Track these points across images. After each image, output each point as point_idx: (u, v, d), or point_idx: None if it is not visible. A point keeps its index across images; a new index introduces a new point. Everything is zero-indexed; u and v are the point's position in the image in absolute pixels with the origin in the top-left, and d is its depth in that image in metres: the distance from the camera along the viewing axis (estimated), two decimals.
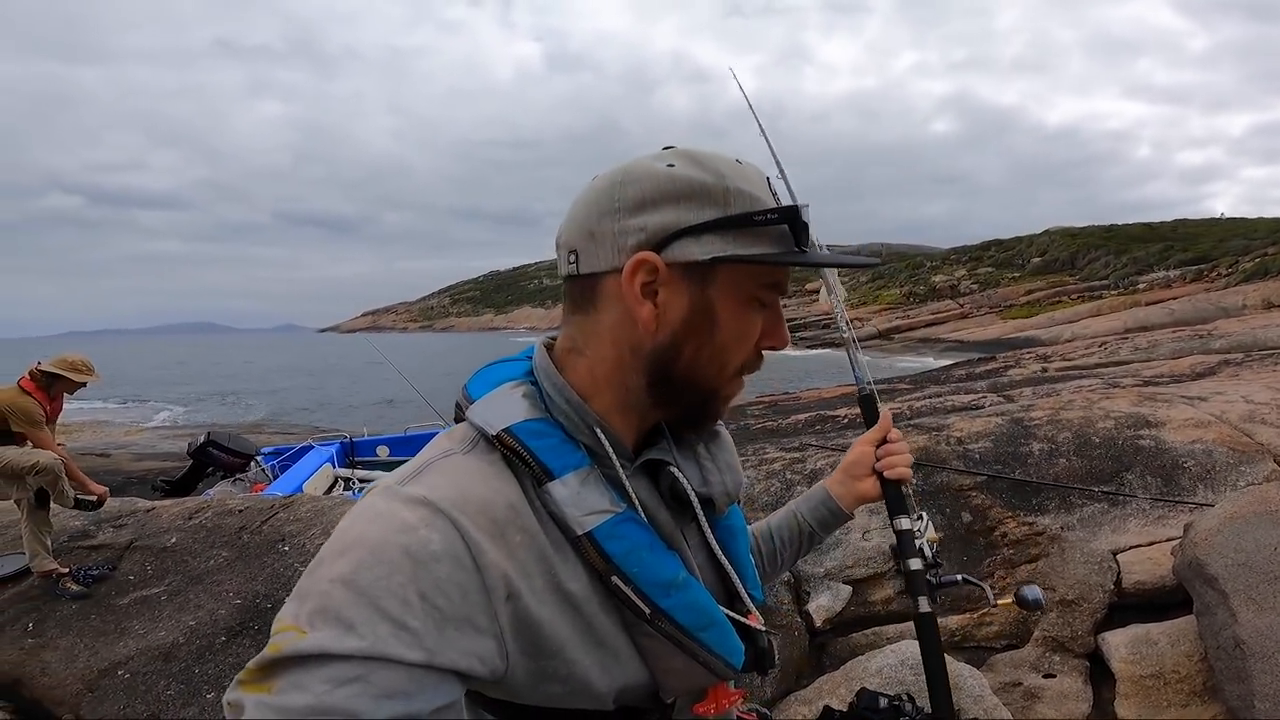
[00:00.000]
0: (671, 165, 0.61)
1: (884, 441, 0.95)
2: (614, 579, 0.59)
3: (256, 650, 1.78)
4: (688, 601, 0.62)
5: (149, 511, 4.27)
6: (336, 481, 7.42)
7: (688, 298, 0.61)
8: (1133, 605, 2.68)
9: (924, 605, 0.90)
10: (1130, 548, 3.02)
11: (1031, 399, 6.23)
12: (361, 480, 7.50)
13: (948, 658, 2.17)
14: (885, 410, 0.95)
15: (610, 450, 0.62)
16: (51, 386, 3.53)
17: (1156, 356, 13.52)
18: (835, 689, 2.03)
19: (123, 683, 2.09)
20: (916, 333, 48.37)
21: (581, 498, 0.60)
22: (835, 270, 1.09)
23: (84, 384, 3.65)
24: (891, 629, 2.70)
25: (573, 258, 0.63)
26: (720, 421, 0.74)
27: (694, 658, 0.62)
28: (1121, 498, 3.45)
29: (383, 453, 8.50)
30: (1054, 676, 2.29)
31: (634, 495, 0.63)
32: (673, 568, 0.63)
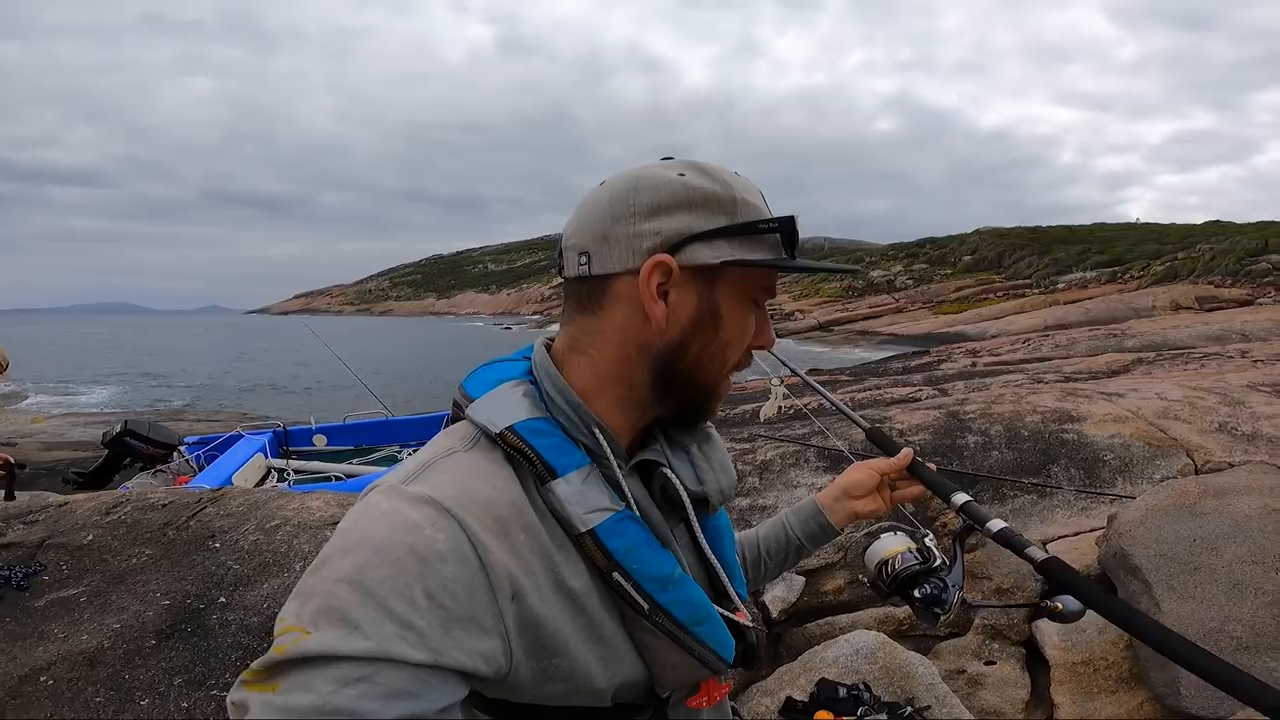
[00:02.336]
0: (683, 174, 0.65)
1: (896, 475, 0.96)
2: (615, 575, 0.61)
3: (192, 654, 1.68)
4: (684, 597, 0.64)
5: (61, 506, 3.98)
6: (270, 473, 7.10)
7: (697, 298, 0.65)
8: (1062, 594, 2.83)
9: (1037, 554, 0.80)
10: (1058, 538, 3.18)
11: (965, 393, 6.51)
12: (298, 471, 7.20)
13: (899, 647, 2.26)
14: (908, 450, 0.95)
15: (609, 450, 0.64)
16: None
17: (1075, 354, 14.34)
18: (795, 679, 2.07)
19: (47, 689, 1.96)
20: (855, 325, 49.91)
21: (584, 496, 0.61)
22: (779, 381, 1.19)
23: None
24: (844, 618, 2.77)
25: (584, 259, 0.65)
26: (710, 422, 0.77)
27: (689, 652, 0.64)
28: (1049, 489, 3.63)
29: (320, 442, 8.18)
30: (994, 664, 2.40)
31: (630, 495, 0.65)
32: (669, 564, 0.65)
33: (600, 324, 0.66)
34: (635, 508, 0.64)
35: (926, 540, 0.90)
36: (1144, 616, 0.65)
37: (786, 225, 0.64)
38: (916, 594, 0.83)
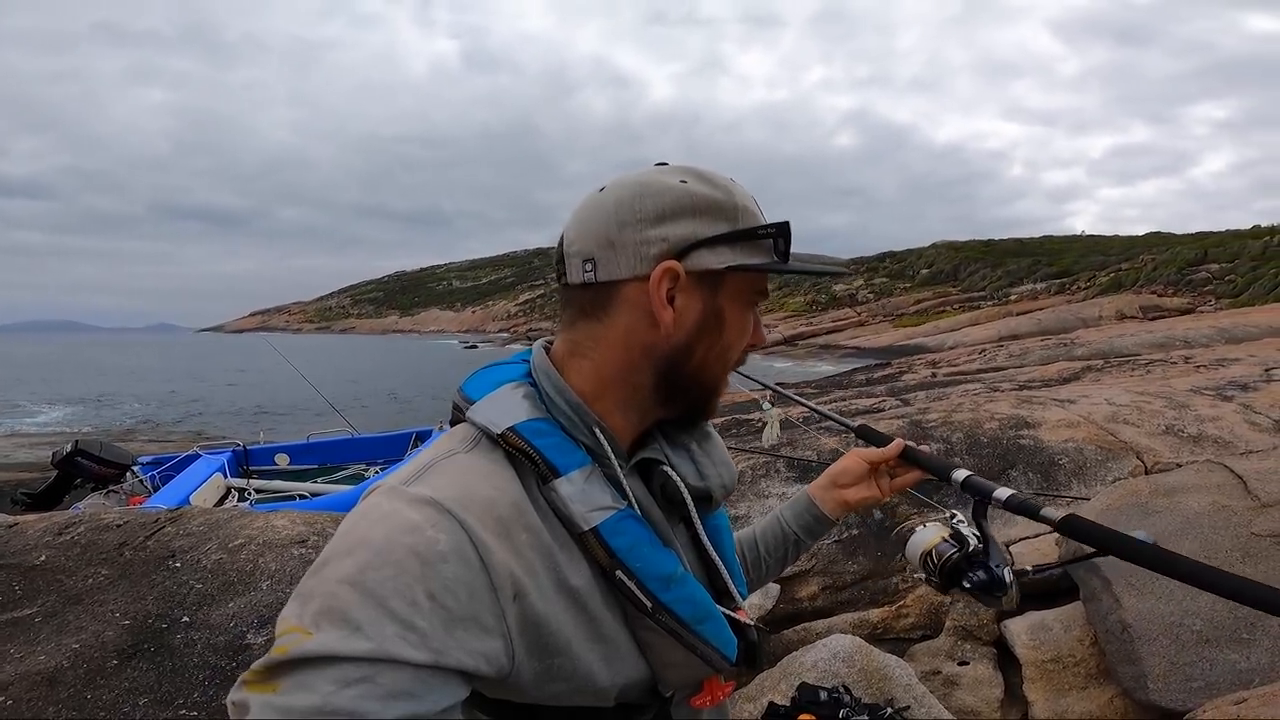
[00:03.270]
0: (685, 181, 0.66)
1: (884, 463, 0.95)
2: (618, 573, 0.61)
3: (157, 674, 1.63)
4: (686, 595, 0.64)
5: (11, 527, 3.80)
6: (229, 492, 6.88)
7: (702, 303, 0.66)
8: (1028, 594, 2.91)
9: (1053, 514, 0.74)
10: (1021, 539, 3.28)
11: (926, 402, 6.67)
12: (259, 490, 6.99)
13: (876, 649, 2.30)
14: (900, 440, 0.93)
15: (609, 450, 0.64)
16: None
17: (1028, 363, 14.81)
18: (776, 685, 2.09)
19: (5, 710, 1.87)
20: (819, 339, 50.72)
21: (587, 494, 0.61)
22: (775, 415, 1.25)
23: None
24: (819, 624, 2.81)
25: (589, 266, 0.65)
26: (708, 424, 0.79)
27: (693, 650, 0.64)
28: None
29: (282, 461, 7.95)
30: (968, 664, 2.45)
31: (631, 493, 0.65)
32: (671, 562, 0.65)
33: (604, 329, 0.66)
34: (637, 506, 0.65)
35: (955, 523, 0.87)
36: (1182, 558, 0.64)
37: (783, 230, 0.66)
38: (966, 585, 0.80)
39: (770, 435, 1.20)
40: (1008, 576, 0.79)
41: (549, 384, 0.66)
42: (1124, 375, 8.22)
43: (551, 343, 0.72)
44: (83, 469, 5.87)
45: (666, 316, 0.64)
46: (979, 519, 0.83)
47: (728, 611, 0.69)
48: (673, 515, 0.71)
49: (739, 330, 0.69)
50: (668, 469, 0.69)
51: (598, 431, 0.65)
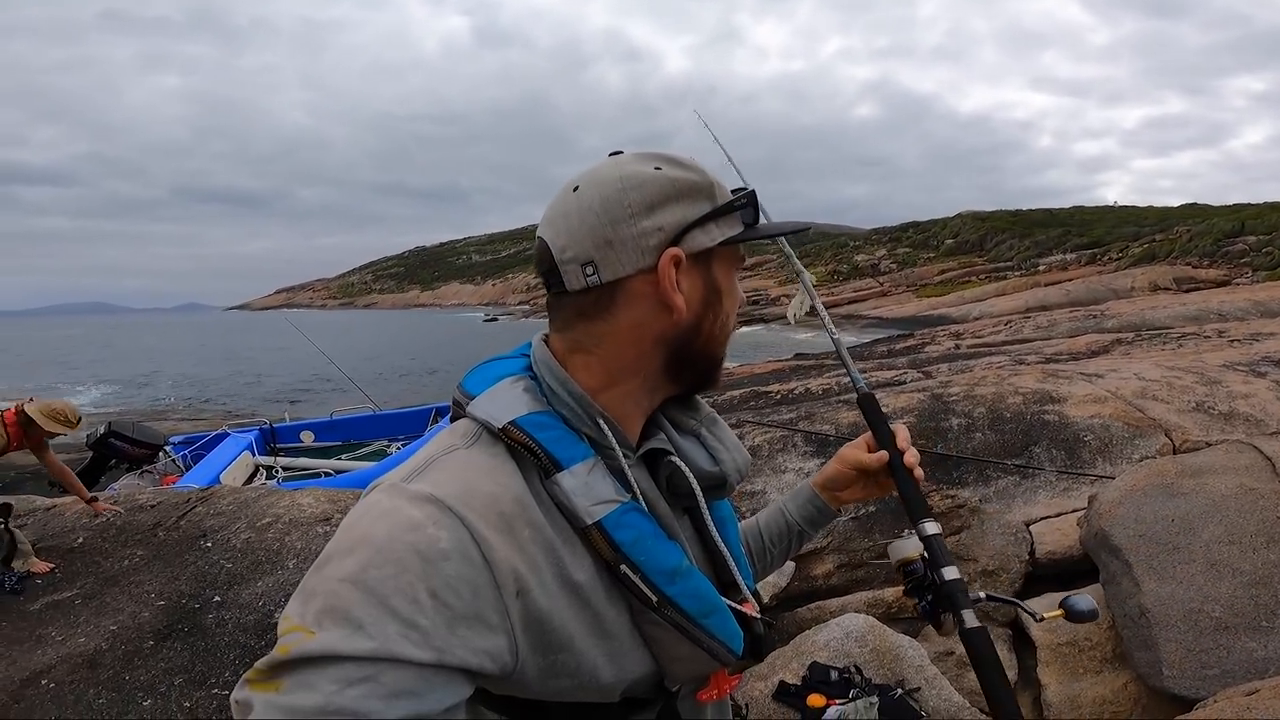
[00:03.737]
0: (659, 168, 0.66)
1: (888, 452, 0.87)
2: (622, 567, 0.60)
3: (190, 654, 1.70)
4: (691, 589, 0.64)
5: (50, 509, 3.95)
6: (258, 470, 7.05)
7: (701, 281, 0.67)
8: (1046, 575, 2.90)
9: (971, 619, 0.76)
10: (1041, 519, 3.25)
11: (948, 375, 6.58)
12: (286, 468, 7.15)
13: (889, 630, 2.30)
14: (902, 429, 0.88)
15: (614, 441, 0.64)
16: (29, 426, 3.55)
17: (1056, 335, 14.51)
18: (788, 663, 2.10)
19: (49, 692, 1.96)
20: (841, 309, 50.12)
21: (590, 488, 0.61)
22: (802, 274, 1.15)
23: (55, 433, 3.59)
24: (834, 603, 2.82)
25: (590, 269, 0.64)
26: (714, 410, 0.79)
27: (699, 644, 0.64)
28: (1031, 470, 3.70)
29: (307, 438, 8.12)
30: None
31: (636, 486, 0.64)
32: (676, 555, 0.64)
33: (608, 326, 0.65)
34: (641, 499, 0.64)
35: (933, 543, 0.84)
36: None
37: (752, 199, 0.69)
38: (920, 604, 0.81)
39: (794, 308, 1.17)
40: (945, 621, 0.79)
41: (551, 377, 0.66)
42: (1155, 349, 8.04)
43: (548, 336, 0.71)
44: (117, 450, 6.03)
45: (679, 301, 0.64)
46: (932, 570, 0.80)
47: (733, 604, 0.69)
48: (677, 506, 0.70)
49: (734, 298, 0.71)
50: (675, 459, 0.68)
51: (601, 423, 0.64)
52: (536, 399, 0.64)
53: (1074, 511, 3.15)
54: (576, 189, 0.65)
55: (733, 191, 0.70)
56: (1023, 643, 2.46)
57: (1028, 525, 3.19)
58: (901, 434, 0.87)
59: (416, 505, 0.54)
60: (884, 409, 3.75)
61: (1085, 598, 0.82)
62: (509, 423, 0.61)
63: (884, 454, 0.86)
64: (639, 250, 0.63)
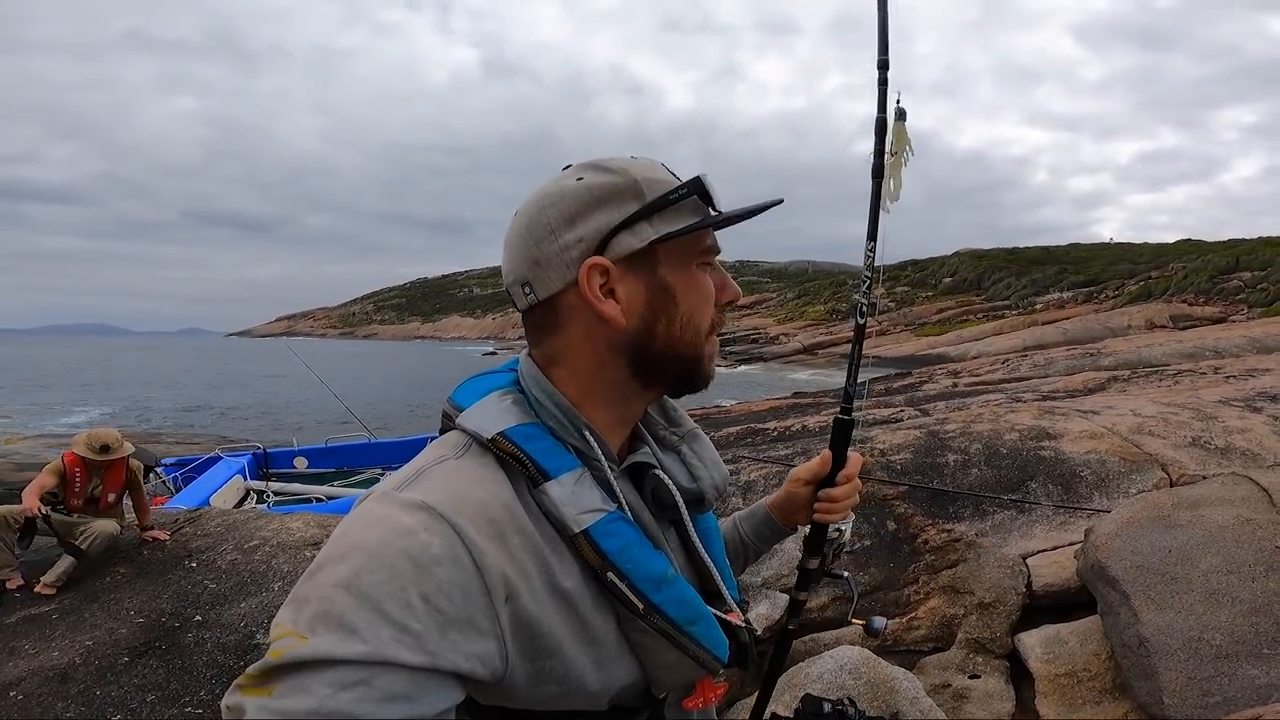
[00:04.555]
0: (581, 178, 0.67)
1: (831, 482, 0.92)
2: (609, 575, 0.61)
3: (166, 672, 1.66)
4: (677, 596, 0.64)
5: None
6: (249, 494, 6.98)
7: (643, 283, 0.66)
8: (1044, 606, 2.85)
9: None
10: (1038, 552, 3.21)
11: (945, 413, 6.58)
12: (277, 493, 7.09)
13: (883, 662, 2.25)
14: (856, 457, 0.92)
15: (599, 452, 0.65)
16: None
17: (1053, 373, 14.54)
18: (780, 695, 2.06)
19: (16, 704, 1.91)
20: (839, 348, 50.26)
21: (577, 497, 0.62)
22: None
23: (101, 462, 3.59)
24: (828, 635, 2.77)
25: (528, 289, 0.67)
26: (697, 425, 0.79)
27: (684, 651, 0.64)
28: (1027, 505, 3.67)
29: (301, 464, 8.06)
30: (979, 677, 2.40)
31: (621, 496, 0.65)
32: (662, 564, 0.65)
33: (565, 339, 0.67)
34: (627, 509, 0.65)
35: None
36: None
37: (695, 186, 0.66)
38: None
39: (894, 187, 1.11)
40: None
41: (538, 390, 0.67)
42: (1151, 386, 8.05)
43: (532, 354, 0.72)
44: None
45: (608, 309, 0.65)
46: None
47: (719, 613, 0.69)
48: (663, 518, 0.71)
49: (695, 294, 0.68)
50: (659, 472, 0.69)
51: (587, 434, 0.65)
52: (525, 411, 0.66)
53: (1071, 544, 3.12)
54: (516, 213, 0.68)
55: (687, 184, 0.66)
56: (1020, 674, 2.41)
57: (1024, 558, 3.15)
58: (851, 463, 0.91)
59: (408, 512, 0.55)
60: (880, 445, 3.70)
61: (881, 619, 1.01)
62: (498, 433, 0.62)
63: (823, 469, 0.92)
64: (564, 264, 0.65)
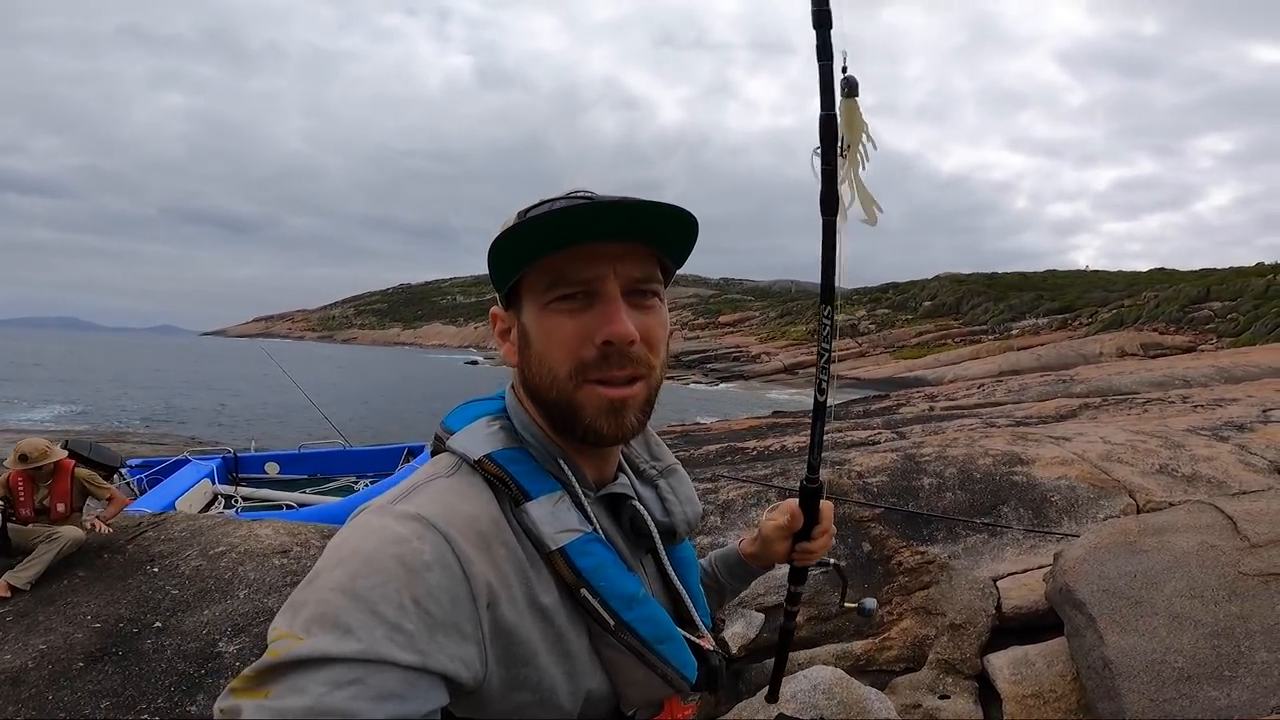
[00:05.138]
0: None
1: (806, 536, 0.92)
2: (583, 591, 0.64)
3: (122, 678, 1.61)
4: (648, 615, 0.67)
5: None
6: (216, 499, 6.83)
7: (516, 326, 0.71)
8: (1013, 628, 2.88)
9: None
10: (1008, 574, 3.24)
11: (921, 436, 6.65)
12: (246, 498, 6.94)
13: (856, 682, 2.26)
14: (828, 507, 0.91)
15: (572, 477, 0.69)
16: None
17: (1026, 399, 14.79)
18: (755, 714, 2.06)
19: None
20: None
21: (556, 517, 0.65)
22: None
23: (33, 471, 3.55)
24: (803, 654, 2.77)
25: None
26: (676, 460, 0.82)
27: (653, 669, 0.67)
28: (999, 528, 3.71)
29: (272, 470, 7.90)
30: (948, 698, 2.41)
31: (595, 521, 0.69)
32: (634, 584, 0.68)
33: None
34: (601, 533, 0.68)
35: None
36: None
37: (534, 222, 0.62)
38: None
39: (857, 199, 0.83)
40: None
41: (517, 419, 0.71)
42: (1121, 414, 8.21)
43: None
44: None
45: (503, 350, 0.72)
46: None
47: (690, 637, 0.72)
48: (640, 548, 0.74)
49: (543, 336, 0.66)
50: (635, 503, 0.72)
51: (561, 462, 0.69)
52: (510, 437, 0.70)
53: (1040, 568, 3.16)
54: None
55: (520, 221, 0.64)
56: (989, 694, 2.43)
57: (995, 581, 3.18)
58: (825, 516, 0.91)
59: (402, 522, 0.58)
60: (857, 468, 3.72)
61: (871, 600, 1.05)
62: (484, 455, 0.67)
63: (794, 524, 0.91)
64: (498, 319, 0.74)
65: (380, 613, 0.52)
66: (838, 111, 0.75)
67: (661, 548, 0.73)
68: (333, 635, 0.51)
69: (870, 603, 1.04)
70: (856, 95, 0.76)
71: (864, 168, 0.81)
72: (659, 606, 0.70)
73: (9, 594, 3.02)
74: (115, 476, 6.37)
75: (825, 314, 0.82)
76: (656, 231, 0.66)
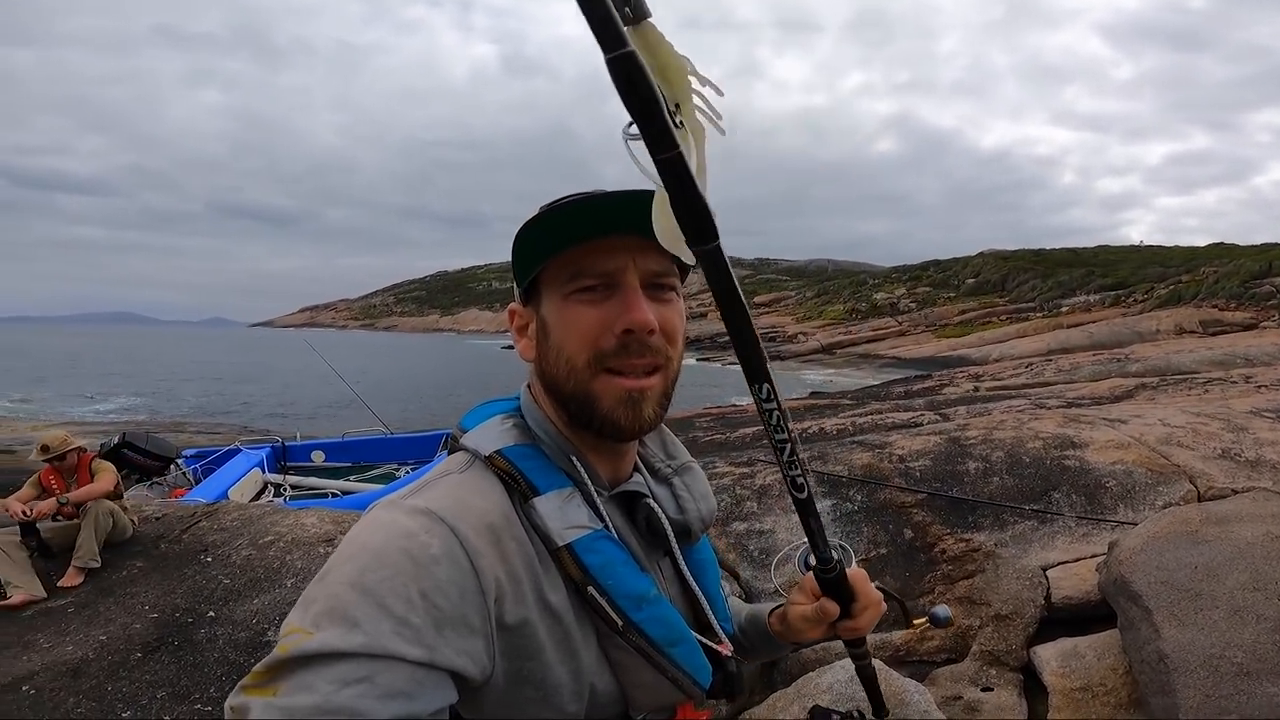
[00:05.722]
0: None
1: (847, 615, 0.81)
2: (590, 589, 0.63)
3: (177, 668, 1.67)
4: (658, 616, 0.66)
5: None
6: (266, 487, 7.07)
7: (534, 320, 0.70)
8: (1061, 619, 2.79)
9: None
10: (1058, 564, 3.14)
11: (966, 418, 6.47)
12: (294, 487, 7.15)
13: (895, 673, 2.21)
14: (861, 577, 0.81)
15: (584, 474, 0.68)
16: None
17: (1078, 378, 14.30)
18: (788, 706, 2.04)
19: (28, 698, 1.94)
20: (858, 348, 49.86)
21: (564, 513, 0.64)
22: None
23: (56, 464, 3.70)
24: (838, 644, 2.73)
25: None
26: (692, 458, 0.81)
27: (662, 673, 0.65)
28: (1049, 516, 3.59)
29: (318, 458, 8.14)
30: (991, 690, 2.36)
31: (608, 519, 0.67)
32: (644, 583, 0.66)
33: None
34: (613, 531, 0.67)
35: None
36: None
37: (555, 216, 0.62)
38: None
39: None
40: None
41: (531, 417, 0.71)
42: (1180, 394, 7.87)
43: None
44: (129, 461, 6.10)
45: (519, 345, 0.72)
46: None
47: (707, 642, 0.70)
48: (657, 549, 0.73)
49: (561, 327, 0.66)
50: (650, 501, 0.71)
51: (574, 459, 0.68)
52: (523, 433, 0.70)
53: (1093, 557, 3.05)
54: None
55: (537, 216, 0.64)
56: (1034, 687, 2.36)
57: (1044, 570, 3.08)
58: (863, 592, 0.80)
59: (411, 517, 0.58)
60: (899, 451, 3.62)
61: (944, 607, 0.94)
62: (494, 451, 0.66)
63: (830, 613, 0.80)
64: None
65: (388, 606, 0.52)
66: (631, 47, 0.40)
67: (677, 548, 0.72)
68: (340, 629, 0.51)
69: (943, 610, 0.93)
70: (647, 16, 0.44)
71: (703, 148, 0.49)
72: (671, 608, 0.68)
73: (81, 579, 3.17)
74: (172, 467, 6.64)
75: (763, 394, 0.61)
76: None
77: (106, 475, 3.71)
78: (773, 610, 0.88)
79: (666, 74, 0.47)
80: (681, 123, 0.48)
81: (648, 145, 0.44)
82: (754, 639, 0.90)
